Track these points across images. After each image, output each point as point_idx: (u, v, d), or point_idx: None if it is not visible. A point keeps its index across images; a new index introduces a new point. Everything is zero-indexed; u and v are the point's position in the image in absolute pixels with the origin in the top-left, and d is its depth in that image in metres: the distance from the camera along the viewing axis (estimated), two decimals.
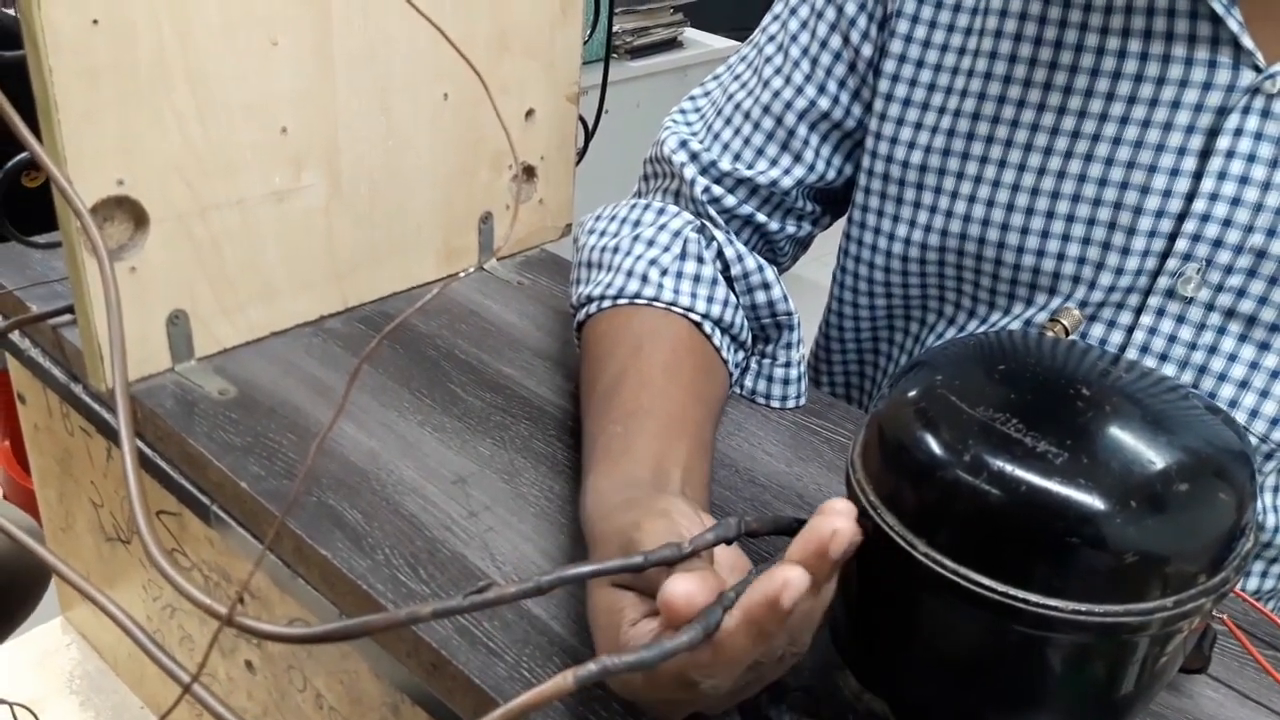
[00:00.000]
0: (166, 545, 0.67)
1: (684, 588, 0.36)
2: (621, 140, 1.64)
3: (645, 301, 0.62)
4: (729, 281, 0.65)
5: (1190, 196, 0.57)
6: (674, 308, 0.62)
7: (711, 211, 0.68)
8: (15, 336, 0.70)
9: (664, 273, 0.63)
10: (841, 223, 0.73)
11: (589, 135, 0.88)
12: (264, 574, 0.57)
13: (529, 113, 0.76)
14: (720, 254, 0.65)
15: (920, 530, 0.38)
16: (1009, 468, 0.36)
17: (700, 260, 0.64)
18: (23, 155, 0.57)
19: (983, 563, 0.36)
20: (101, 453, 0.70)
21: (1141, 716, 0.47)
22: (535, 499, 0.57)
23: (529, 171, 0.79)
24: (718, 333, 0.63)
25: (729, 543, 0.41)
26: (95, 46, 0.53)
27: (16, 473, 1.56)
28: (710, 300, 0.63)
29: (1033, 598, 0.36)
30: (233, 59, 0.59)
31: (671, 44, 2.33)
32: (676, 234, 0.65)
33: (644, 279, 0.62)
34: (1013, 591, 0.36)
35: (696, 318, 0.62)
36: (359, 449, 0.59)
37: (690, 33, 2.38)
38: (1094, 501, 0.35)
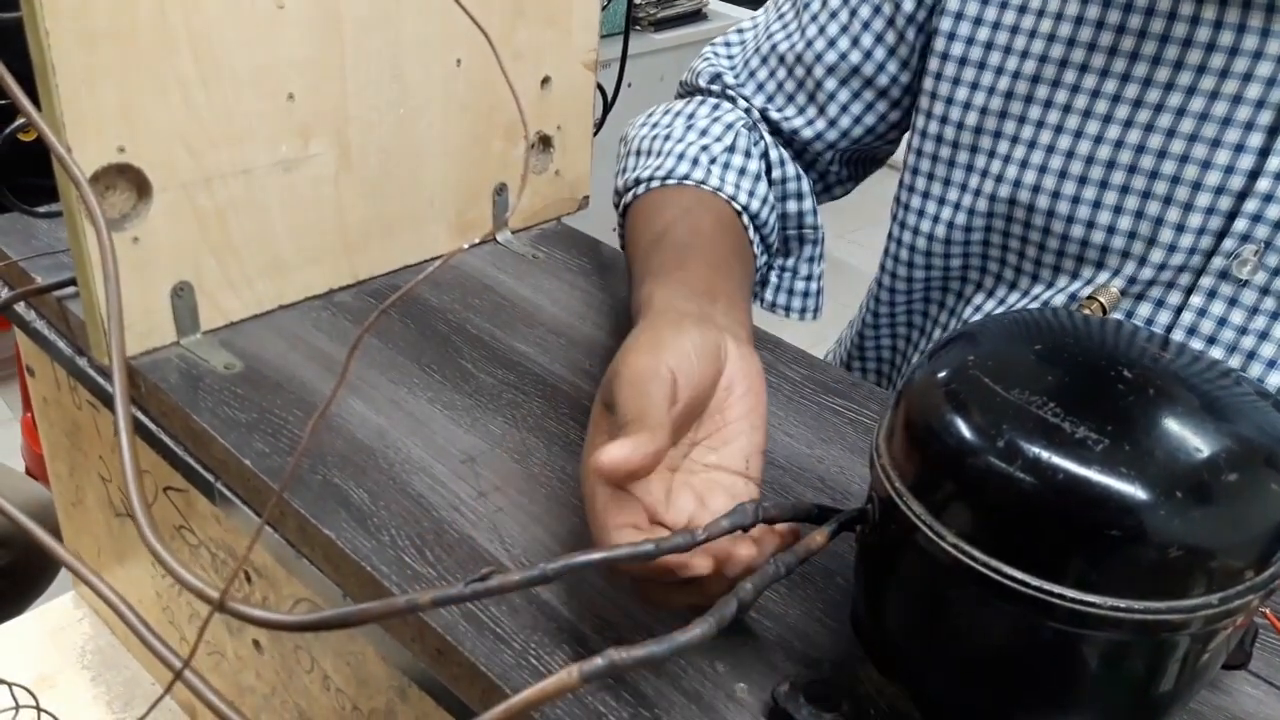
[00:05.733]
0: (174, 523, 0.66)
1: (610, 458, 0.37)
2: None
3: (693, 184, 0.63)
4: (770, 183, 0.65)
5: (1254, 174, 0.54)
6: (719, 194, 0.63)
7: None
8: (21, 308, 0.68)
9: (713, 160, 0.64)
10: (889, 205, 0.72)
11: (608, 106, 0.86)
12: (269, 554, 0.56)
13: (545, 80, 0.74)
14: (766, 153, 0.66)
15: (948, 520, 0.36)
16: (1045, 455, 0.34)
17: (748, 155, 0.65)
18: (20, 121, 0.56)
19: (1015, 555, 0.34)
20: (109, 427, 0.68)
21: (1179, 715, 0.45)
22: (547, 480, 0.55)
23: (545, 141, 0.76)
24: (752, 227, 0.64)
25: (745, 529, 0.39)
26: (94, 9, 0.51)
27: (39, 445, 1.57)
28: (751, 195, 0.64)
29: (1068, 593, 0.34)
30: (237, 23, 0.57)
31: (696, 15, 2.29)
32: (729, 126, 0.66)
33: (694, 162, 0.63)
34: (1047, 586, 0.34)
35: (737, 207, 0.63)
36: (366, 426, 0.57)
37: (715, 4, 2.35)
38: (1136, 492, 0.33)
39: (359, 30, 0.62)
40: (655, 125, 0.69)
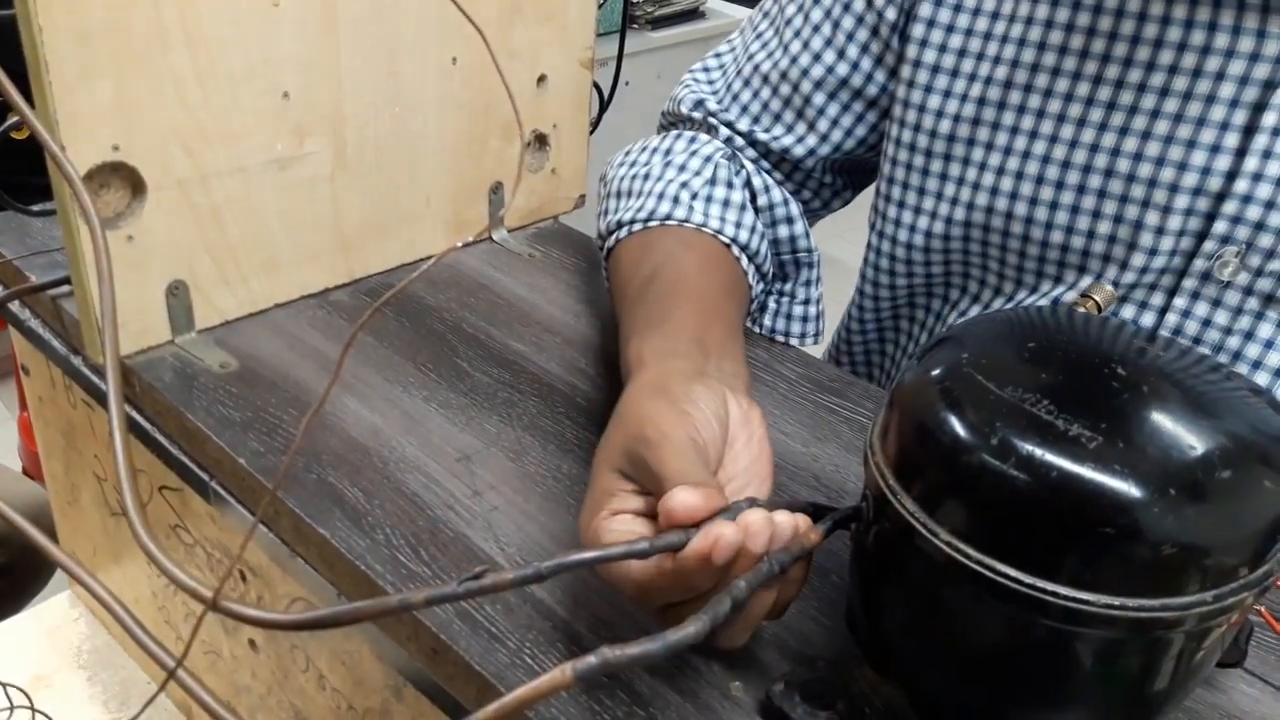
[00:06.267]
0: (169, 522, 0.66)
1: (687, 499, 0.37)
2: (642, 111, 1.61)
3: (676, 223, 0.62)
4: (756, 210, 0.65)
5: (1231, 175, 0.54)
6: (704, 229, 0.62)
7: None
8: (16, 307, 0.68)
9: (694, 196, 0.63)
10: (872, 199, 0.71)
11: (604, 104, 0.86)
12: (264, 553, 0.56)
13: (541, 78, 0.73)
14: (749, 182, 0.65)
15: (942, 517, 0.36)
16: (1039, 452, 0.34)
17: (730, 185, 0.64)
18: (14, 119, 0.56)
19: (1008, 553, 0.34)
20: (104, 426, 0.68)
21: (1174, 713, 0.45)
22: (542, 478, 0.55)
23: (541, 139, 0.76)
24: (744, 258, 0.63)
25: None
26: (88, 5, 0.51)
27: (35, 444, 1.56)
28: (738, 225, 0.63)
29: (1061, 590, 0.34)
30: (232, 20, 0.56)
31: (694, 14, 2.29)
32: (708, 159, 0.65)
33: (675, 200, 0.63)
34: (1040, 584, 0.34)
35: (725, 240, 0.62)
36: (361, 425, 0.57)
37: (713, 2, 2.34)
38: (1130, 489, 0.33)
39: (354, 28, 0.62)
40: (633, 164, 0.68)
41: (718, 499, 0.38)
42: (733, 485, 0.43)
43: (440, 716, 0.49)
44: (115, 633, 0.83)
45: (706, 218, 0.62)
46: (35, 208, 0.69)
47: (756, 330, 0.69)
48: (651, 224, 0.62)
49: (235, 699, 0.70)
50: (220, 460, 0.55)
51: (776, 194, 0.66)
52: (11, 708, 0.68)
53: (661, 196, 0.63)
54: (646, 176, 0.65)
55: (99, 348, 0.58)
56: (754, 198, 0.65)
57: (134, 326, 0.59)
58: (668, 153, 0.66)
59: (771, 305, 0.69)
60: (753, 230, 0.63)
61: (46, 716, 0.71)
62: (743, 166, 0.66)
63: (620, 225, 0.63)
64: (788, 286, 0.68)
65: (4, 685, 0.67)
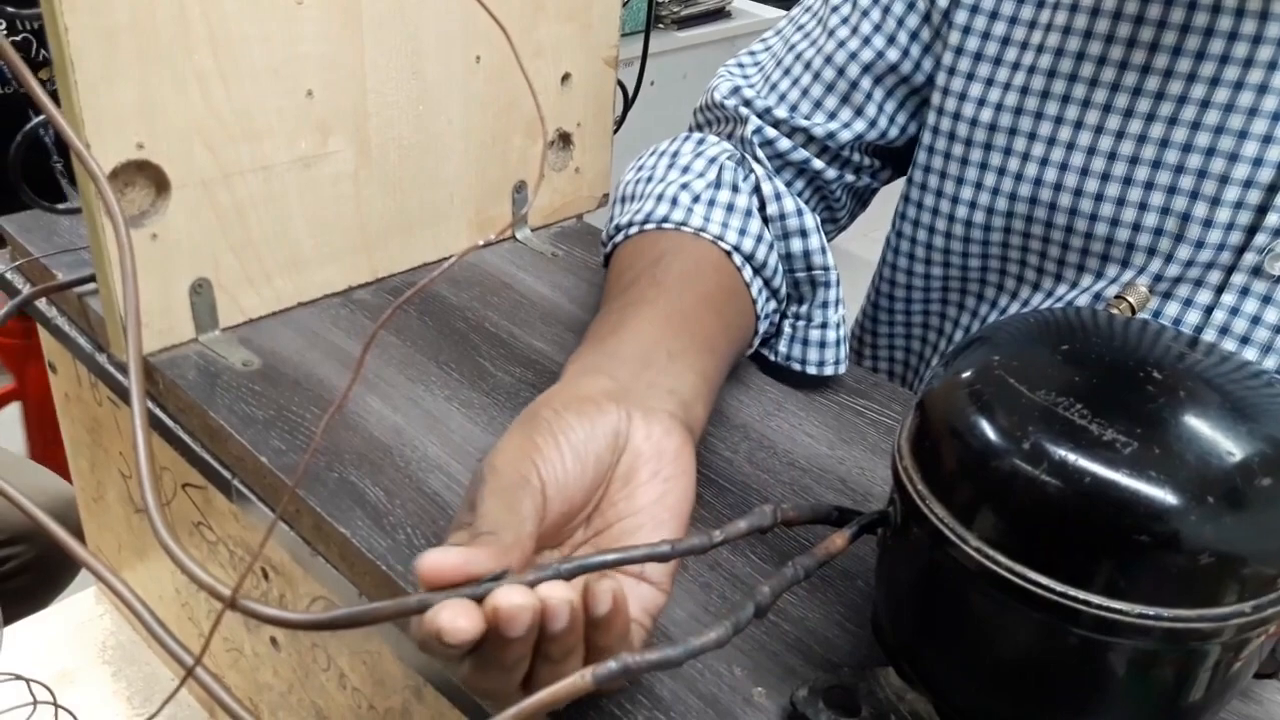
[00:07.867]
0: (192, 519, 0.66)
1: (432, 563, 0.32)
2: (667, 112, 1.61)
3: (673, 226, 0.59)
4: (765, 220, 0.62)
5: None
6: (703, 234, 0.58)
7: (761, 154, 0.65)
8: (43, 304, 0.69)
9: (695, 199, 0.60)
10: (895, 188, 0.70)
11: (628, 103, 0.85)
12: (286, 552, 0.56)
13: (565, 77, 0.73)
14: (758, 189, 0.61)
15: (972, 523, 0.35)
16: (1072, 457, 0.33)
17: (735, 189, 0.60)
18: (40, 119, 0.56)
19: (1040, 560, 0.34)
20: (129, 423, 0.68)
21: None
22: None
23: (565, 138, 0.76)
24: (748, 268, 0.59)
25: (763, 532, 0.39)
26: (112, 4, 0.51)
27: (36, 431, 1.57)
28: (742, 232, 0.59)
29: (1094, 599, 0.33)
30: (256, 19, 0.56)
31: (720, 14, 2.28)
32: (712, 161, 0.62)
33: (673, 202, 0.60)
34: (1072, 592, 0.33)
35: (726, 247, 0.58)
36: (383, 424, 0.57)
37: (739, 2, 2.34)
38: (1166, 496, 0.32)
39: (378, 26, 0.62)
40: (641, 168, 0.65)
41: (475, 565, 0.33)
42: (622, 525, 0.40)
43: (460, 718, 0.49)
44: (139, 629, 0.83)
45: (706, 222, 0.58)
46: (61, 206, 0.69)
47: (773, 358, 0.64)
48: (648, 227, 0.59)
49: (257, 696, 0.70)
50: (242, 458, 0.55)
51: (789, 203, 0.61)
52: (35, 703, 0.69)
53: (660, 198, 0.60)
54: (649, 179, 0.63)
55: (123, 345, 0.58)
56: (763, 206, 0.61)
57: (158, 324, 0.60)
58: (674, 155, 0.65)
59: (786, 330, 0.63)
60: (759, 239, 0.59)
61: (69, 713, 0.71)
62: (751, 171, 0.62)
63: (618, 230, 0.61)
64: (803, 309, 0.62)
65: (27, 681, 0.67)
